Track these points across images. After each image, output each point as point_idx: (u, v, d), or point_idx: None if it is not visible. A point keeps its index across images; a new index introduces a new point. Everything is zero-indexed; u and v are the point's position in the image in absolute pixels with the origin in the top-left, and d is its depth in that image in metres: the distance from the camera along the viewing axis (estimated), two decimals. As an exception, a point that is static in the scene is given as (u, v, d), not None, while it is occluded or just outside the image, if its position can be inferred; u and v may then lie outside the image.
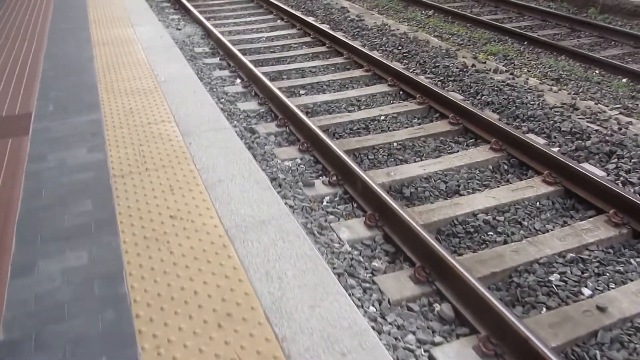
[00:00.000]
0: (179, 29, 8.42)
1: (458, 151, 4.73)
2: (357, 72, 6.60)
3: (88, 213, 2.48)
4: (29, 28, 5.74)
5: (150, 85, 3.99)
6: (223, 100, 5.67)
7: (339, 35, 7.70)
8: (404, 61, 6.98)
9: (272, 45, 7.79)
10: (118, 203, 2.52)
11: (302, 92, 6.12)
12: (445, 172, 4.37)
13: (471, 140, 4.94)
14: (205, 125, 3.33)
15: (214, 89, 5.94)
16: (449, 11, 9.49)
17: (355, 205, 3.94)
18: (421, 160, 4.59)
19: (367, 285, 3.08)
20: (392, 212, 3.57)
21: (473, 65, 6.59)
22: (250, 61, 6.70)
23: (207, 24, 8.45)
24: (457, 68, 6.50)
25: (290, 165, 4.41)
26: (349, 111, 5.56)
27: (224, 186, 2.62)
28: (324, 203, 3.96)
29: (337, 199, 4.01)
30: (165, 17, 9.25)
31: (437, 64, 6.69)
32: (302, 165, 4.44)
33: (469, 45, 7.65)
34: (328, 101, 5.77)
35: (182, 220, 2.37)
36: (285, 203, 3.10)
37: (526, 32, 8.23)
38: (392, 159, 4.61)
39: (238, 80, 6.39)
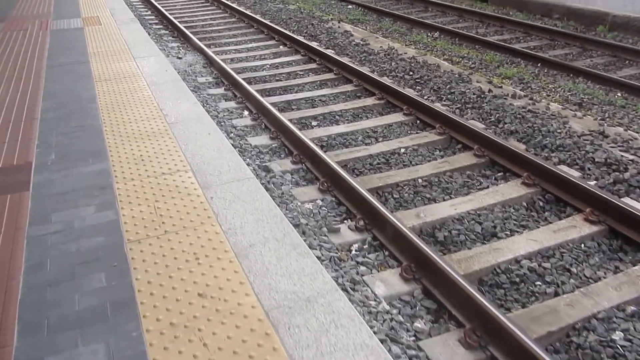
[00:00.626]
0: (180, 58, 8.14)
1: (488, 187, 4.43)
2: (370, 101, 6.32)
3: (102, 291, 2.14)
4: (25, 63, 5.43)
5: (160, 127, 3.67)
6: (232, 134, 5.36)
7: (345, 60, 7.45)
8: (417, 87, 6.71)
9: (278, 73, 7.52)
10: (136, 277, 2.18)
11: (314, 123, 5.82)
12: (478, 212, 4.06)
13: (499, 174, 4.64)
14: (226, 174, 3.00)
15: (222, 123, 5.64)
16: (455, 33, 9.27)
17: (386, 253, 3.61)
18: (450, 198, 4.28)
19: (413, 352, 2.74)
20: (430, 263, 3.25)
21: (490, 91, 6.33)
22: (257, 91, 6.42)
23: (209, 51, 8.18)
24: (474, 94, 6.23)
25: (312, 208, 4.09)
26: (366, 144, 5.26)
27: (257, 253, 2.29)
28: (353, 252, 3.63)
29: (367, 246, 3.68)
30: (164, 45, 8.98)
31: (452, 90, 6.42)
32: (324, 208, 4.12)
33: (482, 69, 7.40)
34: (343, 133, 5.48)
35: (213, 299, 2.03)
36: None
37: (537, 53, 8.00)
38: (420, 198, 4.29)
39: (246, 112, 6.09)
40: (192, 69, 7.63)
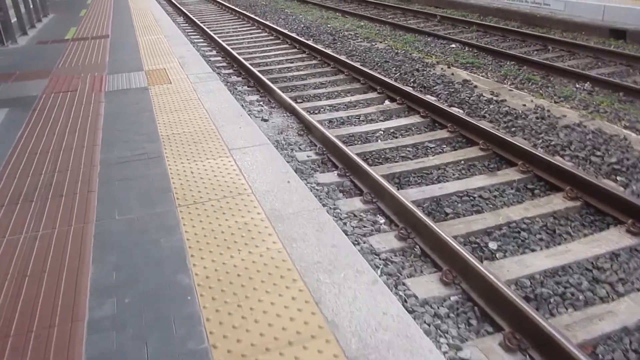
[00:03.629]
0: (265, 120, 6.30)
1: None
2: (558, 201, 4.31)
3: None
4: (70, 158, 3.62)
5: (312, 334, 1.69)
6: (380, 271, 3.38)
7: (487, 127, 5.47)
8: (619, 178, 4.62)
9: (400, 146, 5.57)
10: None
11: (492, 245, 3.82)
12: None
13: None
14: None
15: (357, 242, 3.67)
16: (615, 85, 7.11)
17: None
18: None
19: None
20: None
21: None
22: (384, 176, 4.53)
23: (300, 110, 6.33)
24: None
25: None
26: (598, 301, 3.20)
27: None
28: None
29: None
30: (240, 97, 7.18)
31: (684, 188, 4.29)
32: None
33: (693, 146, 5.23)
34: (551, 271, 3.42)
35: None
36: None
37: None
38: None
39: (381, 219, 4.16)
40: (285, 137, 5.76)
